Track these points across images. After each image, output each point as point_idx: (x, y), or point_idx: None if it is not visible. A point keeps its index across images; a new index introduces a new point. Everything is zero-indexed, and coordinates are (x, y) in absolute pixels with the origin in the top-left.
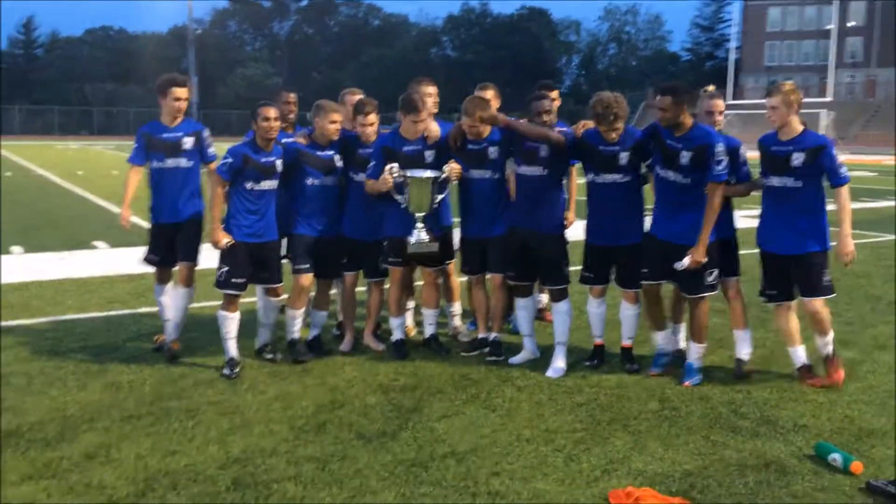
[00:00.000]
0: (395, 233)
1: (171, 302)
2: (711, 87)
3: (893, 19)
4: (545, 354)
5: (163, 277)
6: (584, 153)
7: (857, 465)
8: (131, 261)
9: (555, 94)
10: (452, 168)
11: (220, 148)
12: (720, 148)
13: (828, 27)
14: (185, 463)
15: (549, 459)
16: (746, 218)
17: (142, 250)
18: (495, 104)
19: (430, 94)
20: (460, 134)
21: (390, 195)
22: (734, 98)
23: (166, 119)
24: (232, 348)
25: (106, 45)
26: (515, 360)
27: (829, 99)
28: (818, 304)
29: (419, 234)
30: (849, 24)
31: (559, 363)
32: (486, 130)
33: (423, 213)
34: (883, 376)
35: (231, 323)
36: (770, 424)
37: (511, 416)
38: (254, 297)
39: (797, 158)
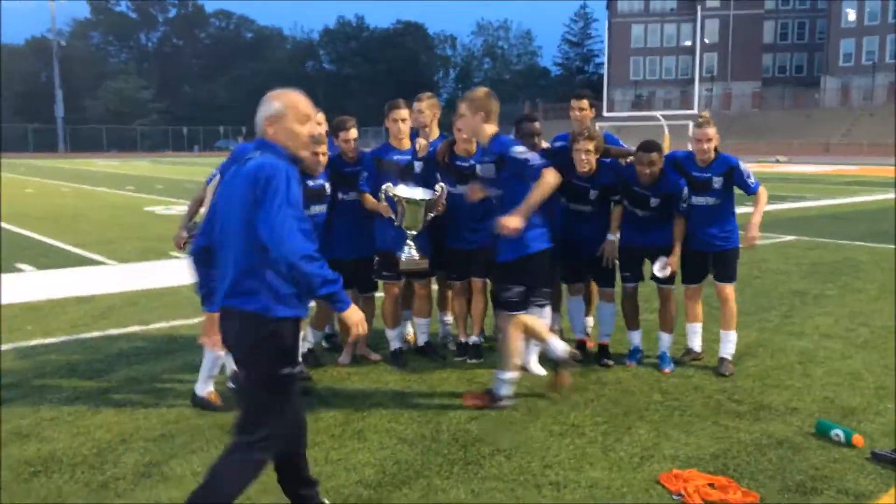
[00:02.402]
0: (387, 248)
1: None
2: (706, 114)
3: (745, 36)
4: None
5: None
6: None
7: (858, 439)
8: (69, 283)
9: (584, 103)
10: (440, 203)
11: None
12: (685, 193)
13: (686, 43)
14: None
15: (588, 450)
16: None
17: (71, 272)
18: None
19: (420, 111)
20: (448, 150)
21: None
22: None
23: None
24: (232, 362)
25: None
26: None
27: (694, 111)
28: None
29: (410, 252)
30: (705, 41)
31: (535, 361)
32: (473, 148)
33: (415, 233)
34: (840, 361)
35: None
36: (766, 409)
37: (534, 414)
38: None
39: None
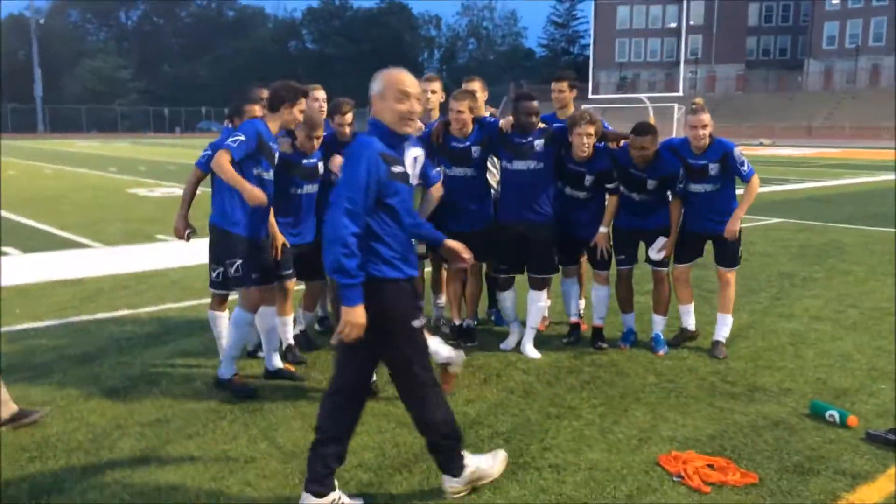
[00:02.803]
0: None
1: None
2: (699, 101)
3: (730, 19)
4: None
5: None
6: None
7: (852, 419)
8: (56, 266)
9: (564, 85)
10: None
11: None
12: (682, 174)
13: (671, 25)
14: (243, 460)
15: (586, 433)
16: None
17: (57, 255)
18: (483, 96)
19: (433, 91)
20: (443, 130)
21: None
22: (593, 93)
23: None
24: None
25: None
26: (506, 345)
27: (679, 94)
28: None
29: None
30: (690, 23)
31: (531, 346)
32: (469, 128)
33: None
34: (830, 343)
35: (223, 321)
36: (760, 390)
37: (530, 397)
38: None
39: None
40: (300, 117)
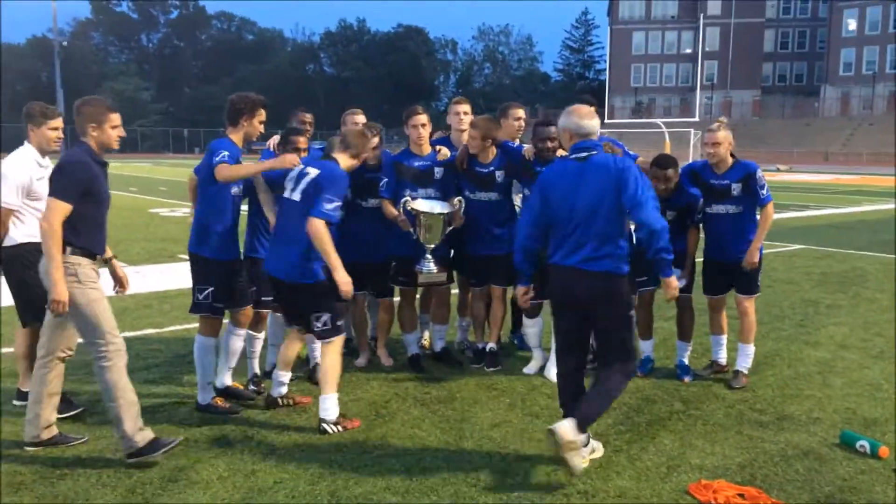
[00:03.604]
0: (404, 253)
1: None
2: (722, 119)
3: (746, 45)
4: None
5: None
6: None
7: (884, 450)
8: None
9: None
10: (458, 216)
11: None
12: (701, 204)
13: (686, 51)
14: (272, 481)
15: (614, 459)
16: None
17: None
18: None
19: (465, 112)
20: (467, 156)
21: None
22: (608, 118)
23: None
24: (256, 365)
25: None
26: (529, 369)
27: (696, 119)
28: None
29: (429, 266)
30: (706, 49)
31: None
32: (492, 154)
33: (433, 246)
34: (858, 372)
35: (257, 342)
36: (788, 419)
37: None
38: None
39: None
40: (260, 128)
